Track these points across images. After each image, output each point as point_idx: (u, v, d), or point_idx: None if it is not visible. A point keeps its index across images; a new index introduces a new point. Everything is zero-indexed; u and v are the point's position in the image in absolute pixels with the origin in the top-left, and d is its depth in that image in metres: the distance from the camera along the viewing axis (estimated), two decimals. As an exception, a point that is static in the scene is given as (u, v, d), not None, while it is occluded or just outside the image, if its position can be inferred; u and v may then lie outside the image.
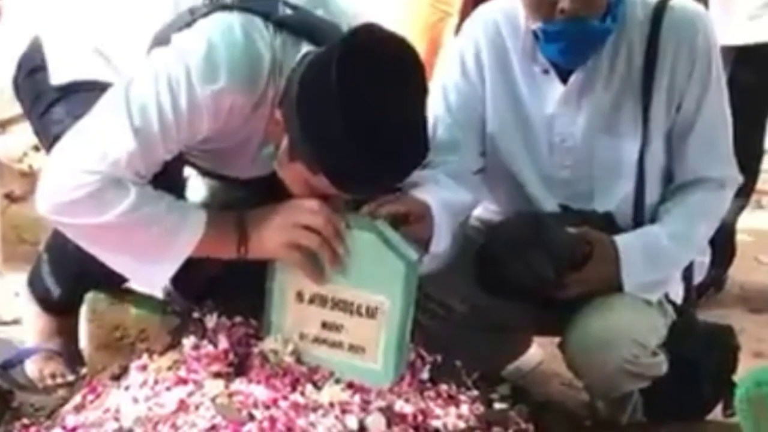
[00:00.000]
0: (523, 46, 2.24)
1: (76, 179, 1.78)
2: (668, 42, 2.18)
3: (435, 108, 2.27)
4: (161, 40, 1.90)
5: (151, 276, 1.90)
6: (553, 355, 2.50)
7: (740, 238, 3.68)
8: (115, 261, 1.88)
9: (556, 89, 2.23)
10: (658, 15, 2.19)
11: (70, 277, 2.21)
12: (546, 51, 2.18)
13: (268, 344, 1.93)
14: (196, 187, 2.23)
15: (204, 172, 2.19)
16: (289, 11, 1.90)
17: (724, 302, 3.50)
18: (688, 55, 2.18)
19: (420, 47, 3.48)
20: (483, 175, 2.32)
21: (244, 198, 2.06)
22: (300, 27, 1.89)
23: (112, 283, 2.09)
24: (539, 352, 2.82)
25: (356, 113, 1.70)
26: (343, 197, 1.88)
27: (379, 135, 1.72)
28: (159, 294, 2.17)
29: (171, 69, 1.80)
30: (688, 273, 2.34)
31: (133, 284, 2.11)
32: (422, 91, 1.82)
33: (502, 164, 2.30)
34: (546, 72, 2.23)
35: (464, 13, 3.05)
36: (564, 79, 2.22)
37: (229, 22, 1.84)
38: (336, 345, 1.91)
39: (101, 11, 2.08)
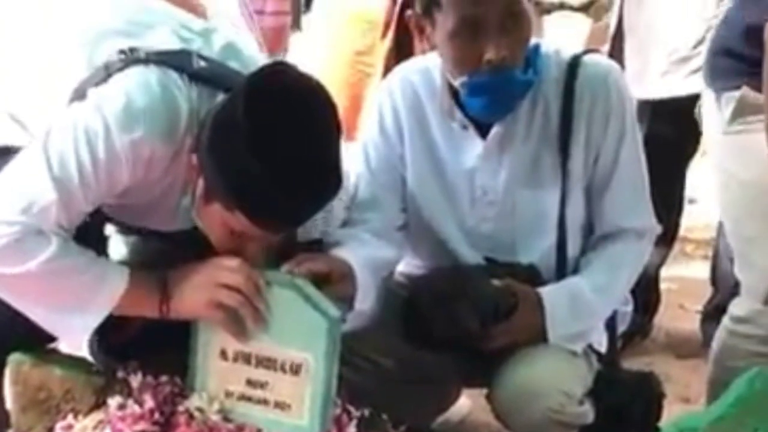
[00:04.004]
0: (441, 104, 2.27)
1: None
2: (583, 97, 2.22)
3: (356, 166, 2.32)
4: (78, 95, 1.90)
5: (73, 330, 1.89)
6: (481, 405, 2.52)
7: (665, 286, 3.75)
8: (37, 313, 1.87)
9: (475, 144, 2.26)
10: (572, 71, 2.23)
11: None
12: (469, 104, 2.21)
13: (194, 402, 1.93)
14: (117, 246, 2.22)
15: (126, 229, 2.19)
16: (203, 63, 1.92)
17: (651, 349, 3.56)
18: (603, 109, 2.22)
19: (341, 106, 3.52)
20: (405, 232, 2.35)
21: (166, 254, 2.06)
22: (215, 78, 1.91)
23: (38, 344, 2.08)
24: (468, 402, 2.83)
25: (265, 144, 1.73)
26: (261, 246, 1.89)
27: (289, 164, 1.74)
28: (83, 353, 2.16)
29: (88, 121, 1.81)
30: (611, 322, 2.37)
31: (59, 345, 2.10)
32: (332, 124, 1.84)
33: (423, 221, 2.33)
34: (465, 128, 2.26)
35: (387, 73, 3.08)
36: (483, 135, 2.25)
37: (146, 76, 1.85)
38: (262, 402, 1.92)
39: (14, 76, 2.08)
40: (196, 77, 1.90)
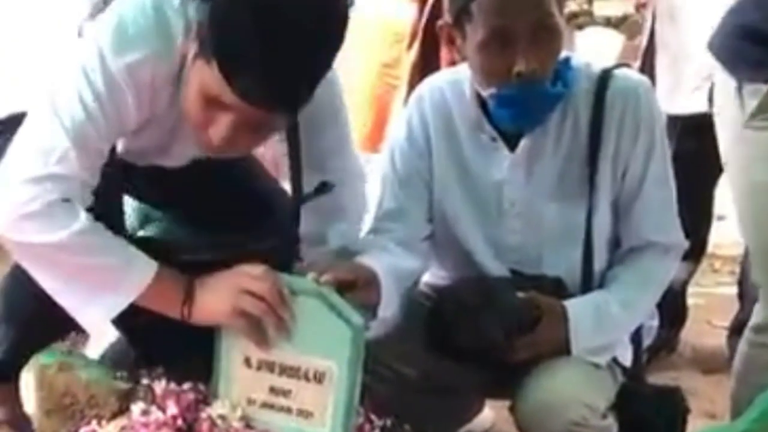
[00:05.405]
0: (470, 116, 2.28)
1: (26, 191, 1.80)
2: (613, 110, 2.22)
3: (383, 175, 2.33)
4: (78, 34, 1.94)
5: (94, 312, 1.89)
6: (505, 417, 2.52)
7: (693, 301, 3.74)
8: (60, 292, 1.88)
9: (504, 156, 2.26)
10: (602, 84, 2.23)
11: (11, 342, 2.21)
12: (497, 116, 2.21)
13: (217, 409, 1.93)
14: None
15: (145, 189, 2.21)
16: None
17: (677, 364, 3.55)
18: (633, 122, 2.22)
19: (367, 119, 3.54)
20: (431, 242, 2.35)
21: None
22: None
23: (55, 338, 2.11)
24: (491, 414, 2.83)
25: (265, 7, 1.70)
26: (232, 125, 1.81)
27: (282, 25, 1.71)
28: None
29: (84, 56, 1.83)
30: (636, 336, 2.36)
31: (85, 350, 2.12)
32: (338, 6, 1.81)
33: (449, 231, 2.33)
34: (493, 140, 2.26)
35: (411, 85, 3.09)
36: (511, 147, 2.25)
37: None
38: (284, 410, 1.92)
39: (32, 41, 2.10)
40: None
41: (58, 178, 1.81)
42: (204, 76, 1.78)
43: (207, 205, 2.14)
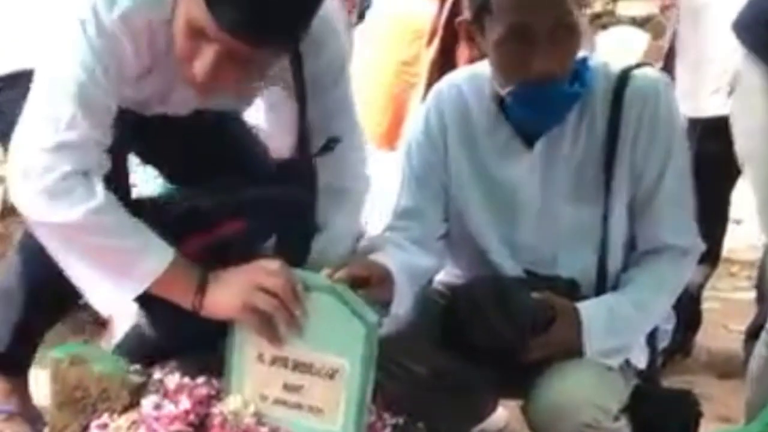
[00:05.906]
0: (487, 114, 2.27)
1: (40, 161, 1.81)
2: (631, 109, 2.20)
3: (400, 172, 2.33)
4: None
5: (110, 294, 1.90)
6: (518, 417, 2.50)
7: (709, 305, 3.73)
8: (80, 273, 1.89)
9: (520, 156, 2.25)
10: (620, 85, 2.22)
11: (14, 329, 2.22)
12: (514, 114, 2.21)
13: (229, 405, 1.93)
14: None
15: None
16: None
17: (692, 368, 3.54)
18: (650, 122, 2.20)
19: (385, 117, 3.53)
20: (446, 241, 2.34)
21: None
22: None
23: (64, 313, 2.14)
24: (505, 414, 2.83)
25: None
26: (216, 58, 1.79)
27: None
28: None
29: (79, 14, 1.82)
30: (652, 339, 2.35)
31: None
32: None
33: (465, 230, 2.32)
34: (510, 138, 2.26)
35: (430, 83, 3.07)
36: (528, 146, 2.25)
37: None
38: (296, 406, 1.92)
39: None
40: None
41: (71, 146, 1.82)
42: (190, 7, 1.77)
43: (208, 158, 2.14)
